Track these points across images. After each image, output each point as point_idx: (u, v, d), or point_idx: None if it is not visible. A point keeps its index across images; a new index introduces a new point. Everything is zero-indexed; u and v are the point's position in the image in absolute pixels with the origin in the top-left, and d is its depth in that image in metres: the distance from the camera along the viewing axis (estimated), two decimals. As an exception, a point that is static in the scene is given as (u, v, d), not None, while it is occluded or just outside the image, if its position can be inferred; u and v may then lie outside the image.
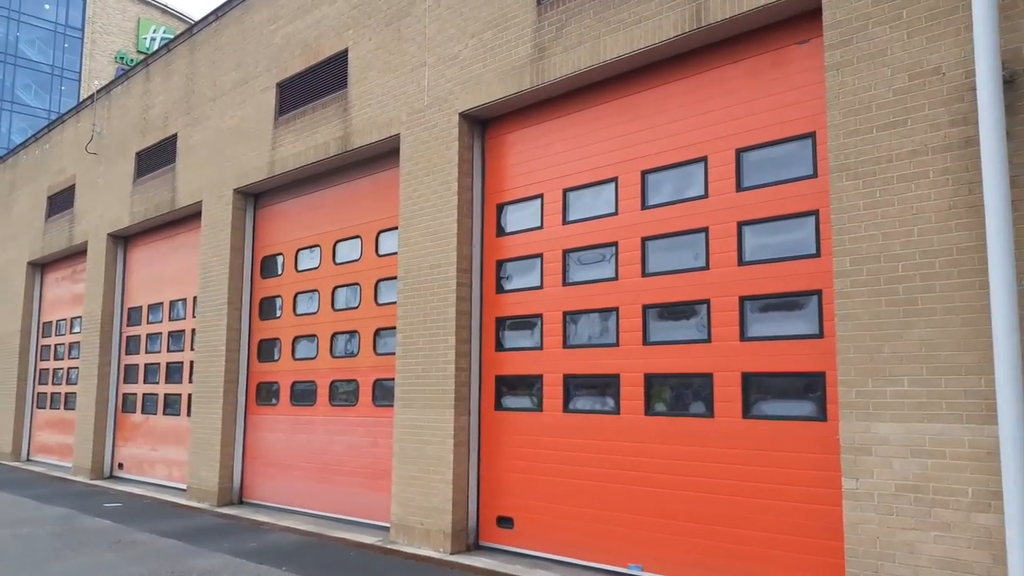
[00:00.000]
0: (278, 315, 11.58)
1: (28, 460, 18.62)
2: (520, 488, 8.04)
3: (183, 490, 12.85)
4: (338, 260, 10.68)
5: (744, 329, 6.57)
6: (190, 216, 13.73)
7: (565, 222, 8.01)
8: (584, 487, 7.49)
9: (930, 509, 5.09)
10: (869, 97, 5.63)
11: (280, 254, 11.71)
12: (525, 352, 8.19)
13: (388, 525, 9.26)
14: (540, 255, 8.19)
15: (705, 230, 6.91)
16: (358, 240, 10.39)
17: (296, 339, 11.19)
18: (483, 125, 8.90)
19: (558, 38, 7.78)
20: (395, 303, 9.56)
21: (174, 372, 13.84)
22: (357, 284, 10.31)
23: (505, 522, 8.15)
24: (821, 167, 6.24)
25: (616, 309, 7.46)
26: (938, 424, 5.11)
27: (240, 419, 11.84)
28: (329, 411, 10.50)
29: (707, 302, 6.81)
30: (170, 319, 14.14)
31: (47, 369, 18.41)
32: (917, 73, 5.41)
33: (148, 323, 14.77)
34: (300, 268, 11.30)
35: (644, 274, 7.29)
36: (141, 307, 15.05)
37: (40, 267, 19.12)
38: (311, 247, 11.15)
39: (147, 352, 14.69)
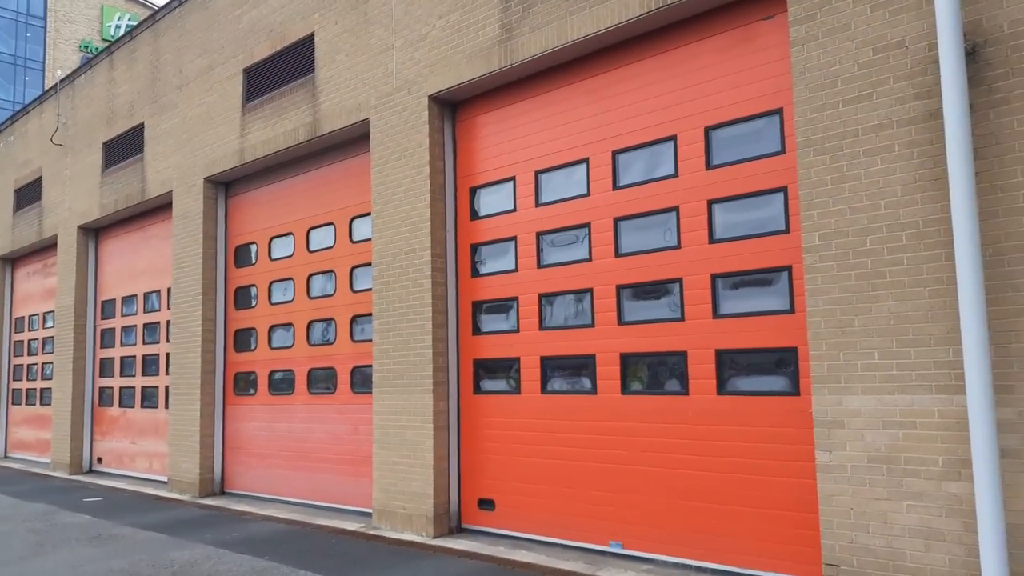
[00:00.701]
0: (253, 304, 11.49)
1: (6, 457, 18.44)
2: (500, 470, 8.07)
3: (164, 482, 12.79)
4: (312, 247, 10.60)
5: (716, 307, 6.61)
6: (161, 207, 13.56)
7: (538, 204, 7.99)
8: (564, 467, 7.53)
9: (902, 479, 5.17)
10: (834, 72, 5.63)
11: (254, 243, 11.60)
12: (502, 335, 8.20)
13: (370, 511, 9.28)
14: (514, 238, 8.17)
15: (676, 209, 6.91)
16: (331, 227, 10.31)
17: (272, 328, 11.12)
18: (453, 108, 8.82)
19: (525, 18, 7.72)
20: (371, 290, 9.52)
21: (150, 364, 13.72)
22: (332, 271, 10.24)
23: (486, 504, 8.19)
24: (789, 143, 6.25)
25: (591, 290, 7.47)
26: (908, 395, 5.18)
27: (219, 409, 11.78)
28: (308, 399, 10.46)
29: (679, 281, 6.84)
30: (145, 311, 14.00)
31: (21, 365, 18.18)
32: (881, 47, 5.42)
33: (122, 316, 14.61)
34: (274, 256, 11.20)
35: (617, 254, 7.30)
36: (115, 300, 14.87)
37: (10, 262, 18.82)
38: (284, 235, 11.05)
39: (122, 345, 14.55)
